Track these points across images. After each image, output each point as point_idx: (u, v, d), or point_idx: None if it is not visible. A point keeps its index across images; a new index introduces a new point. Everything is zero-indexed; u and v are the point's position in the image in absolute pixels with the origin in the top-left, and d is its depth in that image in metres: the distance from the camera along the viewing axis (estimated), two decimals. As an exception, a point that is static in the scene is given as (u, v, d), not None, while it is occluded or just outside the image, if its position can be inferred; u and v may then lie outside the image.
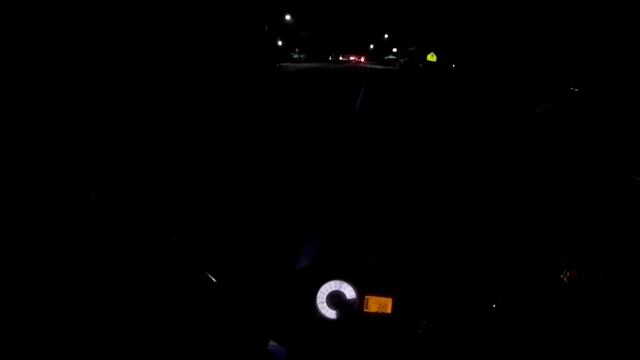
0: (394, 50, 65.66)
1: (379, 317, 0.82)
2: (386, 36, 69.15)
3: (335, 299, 0.81)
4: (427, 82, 24.04)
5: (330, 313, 0.81)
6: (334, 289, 0.82)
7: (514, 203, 3.89)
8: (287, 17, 44.89)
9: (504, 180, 4.80)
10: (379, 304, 0.82)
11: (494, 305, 0.78)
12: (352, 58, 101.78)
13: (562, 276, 0.78)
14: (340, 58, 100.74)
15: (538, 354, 0.75)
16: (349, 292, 0.82)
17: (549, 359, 0.75)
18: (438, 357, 0.78)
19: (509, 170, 5.36)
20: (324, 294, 0.81)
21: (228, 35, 24.66)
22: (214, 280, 0.71)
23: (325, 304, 0.81)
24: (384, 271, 0.85)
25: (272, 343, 0.80)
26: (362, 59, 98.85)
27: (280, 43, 52.87)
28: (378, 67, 55.23)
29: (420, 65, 41.45)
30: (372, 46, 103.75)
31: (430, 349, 0.78)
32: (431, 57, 24.95)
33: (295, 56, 51.15)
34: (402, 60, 59.69)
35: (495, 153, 6.50)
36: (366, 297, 0.82)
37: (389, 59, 68.94)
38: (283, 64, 40.17)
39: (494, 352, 0.76)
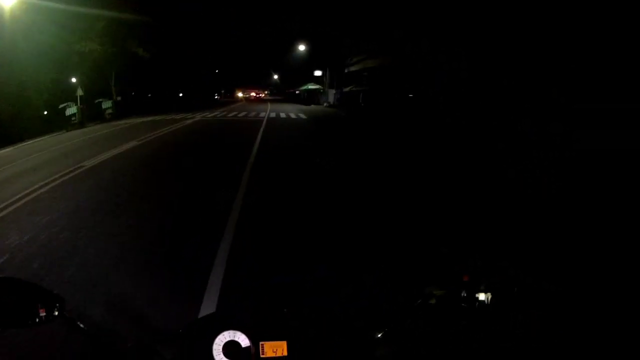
0: (317, 73, 35.59)
1: None
2: (301, 48, 37.45)
3: (230, 349, 0.85)
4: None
5: None
6: (228, 339, 0.85)
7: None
8: None
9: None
10: (274, 348, 0.86)
11: (379, 335, 0.87)
12: (252, 94, 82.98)
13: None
14: (240, 95, 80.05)
15: None
16: (244, 340, 0.85)
17: None
18: None
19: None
20: (219, 345, 0.85)
21: None
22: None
23: (222, 356, 0.85)
24: (275, 316, 0.91)
25: None
26: (258, 95, 78.41)
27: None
28: (293, 114, 24.64)
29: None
30: (275, 76, 75.22)
31: None
32: None
33: (71, 111, 18.76)
34: (337, 92, 30.85)
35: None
36: (261, 343, 0.86)
37: (306, 90, 38.96)
38: None
39: None
